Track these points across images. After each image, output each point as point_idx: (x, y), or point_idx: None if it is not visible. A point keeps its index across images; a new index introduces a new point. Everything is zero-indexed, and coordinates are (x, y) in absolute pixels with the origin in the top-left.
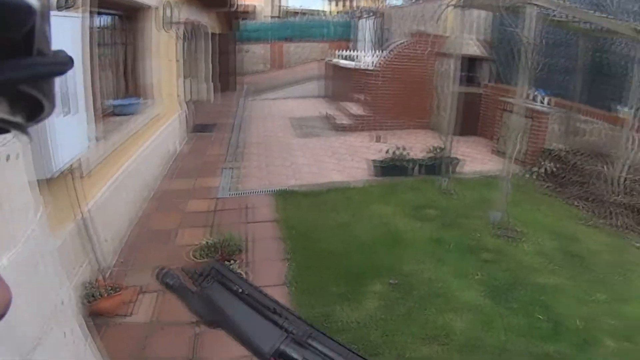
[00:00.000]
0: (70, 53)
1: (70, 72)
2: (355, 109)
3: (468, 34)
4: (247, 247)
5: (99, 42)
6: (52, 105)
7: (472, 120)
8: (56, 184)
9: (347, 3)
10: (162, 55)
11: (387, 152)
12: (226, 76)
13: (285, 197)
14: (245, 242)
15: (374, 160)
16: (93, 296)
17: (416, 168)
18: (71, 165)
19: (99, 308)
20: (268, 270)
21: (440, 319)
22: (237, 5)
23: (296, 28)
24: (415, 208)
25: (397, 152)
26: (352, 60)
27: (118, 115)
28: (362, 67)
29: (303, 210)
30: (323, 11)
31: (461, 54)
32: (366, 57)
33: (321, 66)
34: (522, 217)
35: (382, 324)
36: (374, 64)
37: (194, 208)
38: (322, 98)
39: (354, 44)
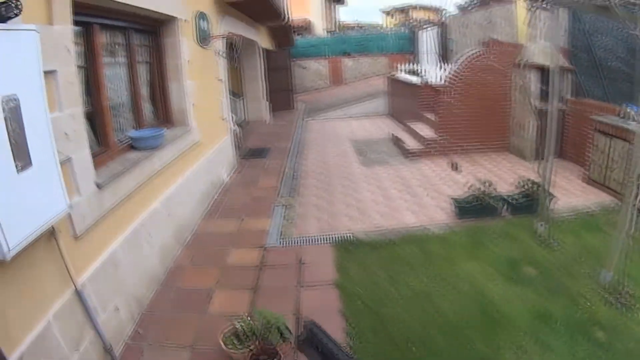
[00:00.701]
0: (17, 80)
1: (27, 109)
2: (425, 130)
3: (545, 41)
4: (298, 327)
5: (110, 60)
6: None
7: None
8: (26, 259)
9: (404, 15)
10: (200, 74)
11: (469, 186)
12: (282, 94)
13: (348, 248)
14: (295, 318)
15: (455, 199)
16: None
17: (505, 207)
18: (52, 228)
19: None
20: None
21: None
22: (291, 19)
23: (354, 42)
24: (511, 265)
25: (482, 188)
26: (417, 74)
27: (138, 149)
28: (429, 82)
29: (371, 269)
30: (379, 25)
31: (541, 64)
32: (432, 71)
33: (382, 81)
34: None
35: None
36: (443, 79)
37: (236, 260)
38: (385, 117)
39: (415, 56)
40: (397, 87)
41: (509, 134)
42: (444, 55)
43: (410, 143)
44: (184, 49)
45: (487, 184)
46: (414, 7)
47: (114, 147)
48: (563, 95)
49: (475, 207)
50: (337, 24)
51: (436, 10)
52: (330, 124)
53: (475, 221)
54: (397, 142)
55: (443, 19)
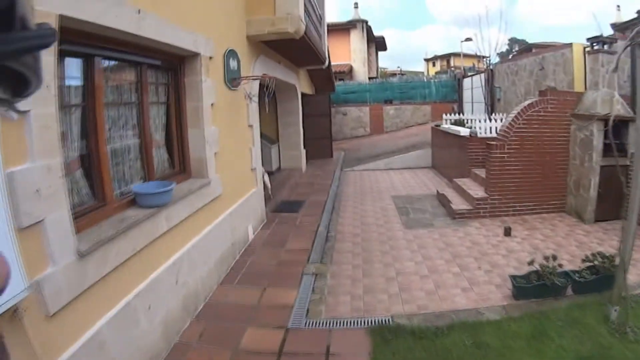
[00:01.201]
0: None
1: None
2: (474, 188)
3: (607, 89)
4: None
5: (116, 99)
6: (39, 80)
7: (615, 200)
8: None
9: (446, 63)
10: (227, 120)
11: (529, 262)
12: (320, 142)
13: (386, 337)
14: None
15: (514, 278)
16: None
17: (570, 285)
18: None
19: None
20: None
21: None
22: (331, 63)
23: (396, 89)
24: None
25: (545, 264)
26: (464, 125)
27: (143, 206)
28: (478, 134)
29: None
30: (421, 72)
31: (604, 115)
32: (481, 122)
33: (424, 131)
34: None
35: None
36: (493, 131)
37: (252, 343)
38: (428, 170)
39: (459, 105)
40: (442, 138)
41: (566, 193)
42: (491, 104)
43: (458, 202)
44: (207, 90)
45: (550, 259)
46: (456, 55)
47: (112, 203)
48: (628, 149)
49: (537, 288)
50: (379, 70)
51: (479, 57)
52: (370, 175)
53: (536, 302)
54: (442, 200)
55: (489, 65)
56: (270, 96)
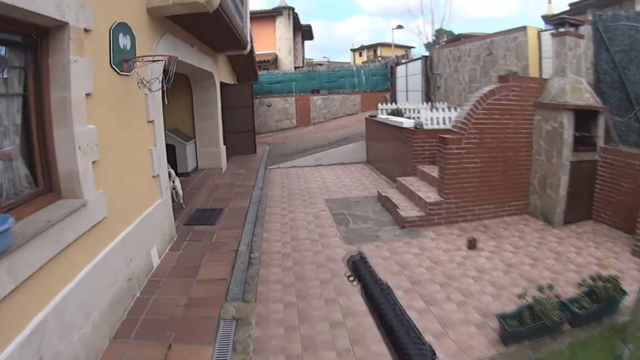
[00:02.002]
0: None
1: None
2: (424, 190)
3: (574, 75)
4: None
5: None
6: None
7: (584, 198)
8: None
9: (372, 53)
10: (113, 115)
11: (522, 296)
12: (242, 136)
13: None
14: None
15: (502, 318)
16: None
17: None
18: None
19: None
20: None
21: None
22: (254, 49)
23: (323, 78)
24: None
25: (540, 298)
26: (402, 115)
27: None
28: (425, 126)
29: None
30: (347, 63)
31: (574, 104)
32: (426, 112)
33: (356, 122)
34: None
35: None
36: (443, 122)
37: None
38: (364, 165)
39: (392, 94)
40: (378, 130)
41: (528, 193)
42: (428, 92)
43: (406, 207)
44: (80, 74)
45: (546, 290)
46: (384, 45)
47: None
48: (596, 142)
49: (532, 329)
50: (305, 61)
51: (406, 48)
52: (299, 173)
53: (530, 346)
54: (386, 204)
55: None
56: (169, 83)
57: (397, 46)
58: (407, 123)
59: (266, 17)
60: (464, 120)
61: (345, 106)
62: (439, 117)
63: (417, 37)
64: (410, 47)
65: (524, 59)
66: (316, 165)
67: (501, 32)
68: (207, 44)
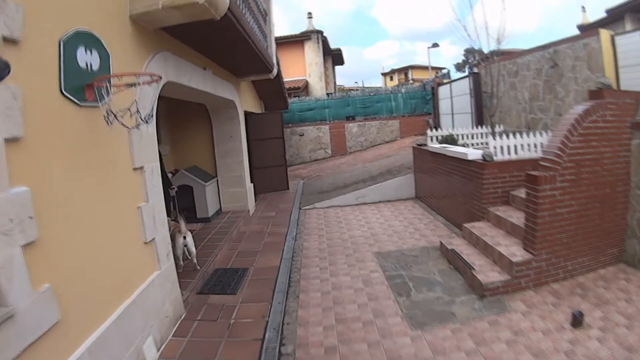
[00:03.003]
0: None
1: None
2: (503, 242)
3: None
4: None
5: None
6: None
7: None
8: None
9: (403, 76)
10: (68, 166)
11: None
12: (273, 171)
13: None
14: None
15: None
16: None
17: None
18: None
19: None
20: None
21: None
22: (281, 72)
23: (358, 104)
24: None
25: None
26: (455, 142)
27: None
28: (495, 157)
29: None
30: (379, 87)
31: None
32: (497, 140)
33: (397, 150)
34: None
35: None
36: (546, 152)
37: None
38: (414, 203)
39: (435, 118)
40: (430, 161)
41: (624, 237)
42: (479, 114)
43: (484, 268)
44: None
45: None
46: (414, 67)
47: None
48: None
49: None
50: (336, 87)
51: (437, 69)
52: (338, 215)
53: None
54: (454, 260)
55: (480, 66)
56: (150, 118)
57: (425, 68)
58: (473, 154)
59: (294, 42)
60: (558, 152)
61: (383, 133)
62: (509, 145)
63: (467, 42)
64: (442, 68)
65: (598, 69)
66: (358, 204)
67: (566, 39)
68: (225, 67)
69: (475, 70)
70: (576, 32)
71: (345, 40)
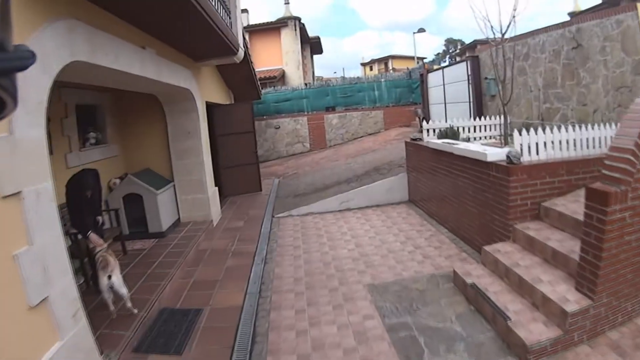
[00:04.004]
0: None
1: None
2: (544, 277)
3: None
4: None
5: None
6: (15, 102)
7: None
8: None
9: (384, 66)
10: None
11: None
12: (242, 170)
13: None
14: None
15: None
16: None
17: None
18: None
19: None
20: None
21: None
22: (250, 57)
23: (338, 93)
24: None
25: None
26: (457, 136)
27: None
28: (523, 158)
29: None
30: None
31: None
32: (531, 135)
33: (383, 144)
34: None
35: None
36: (613, 155)
37: None
38: (408, 207)
39: (425, 108)
40: (429, 160)
41: None
42: (479, 103)
43: (523, 317)
44: None
45: None
46: (394, 57)
47: None
48: None
49: None
50: (315, 77)
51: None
52: (318, 226)
53: None
54: (478, 300)
55: (480, 49)
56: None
57: (409, 58)
58: (494, 154)
59: (270, 29)
60: (630, 157)
61: (366, 124)
62: (537, 141)
63: (483, 27)
64: (422, 58)
65: (636, 51)
66: (341, 210)
67: (593, 15)
68: (176, 47)
69: (475, 53)
70: (567, 19)
71: (324, 32)
